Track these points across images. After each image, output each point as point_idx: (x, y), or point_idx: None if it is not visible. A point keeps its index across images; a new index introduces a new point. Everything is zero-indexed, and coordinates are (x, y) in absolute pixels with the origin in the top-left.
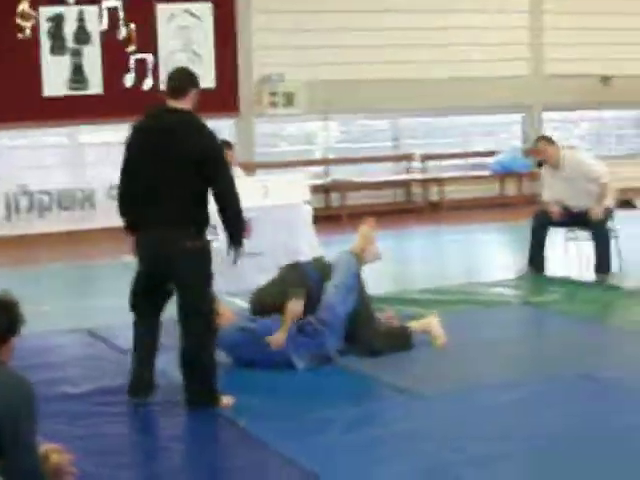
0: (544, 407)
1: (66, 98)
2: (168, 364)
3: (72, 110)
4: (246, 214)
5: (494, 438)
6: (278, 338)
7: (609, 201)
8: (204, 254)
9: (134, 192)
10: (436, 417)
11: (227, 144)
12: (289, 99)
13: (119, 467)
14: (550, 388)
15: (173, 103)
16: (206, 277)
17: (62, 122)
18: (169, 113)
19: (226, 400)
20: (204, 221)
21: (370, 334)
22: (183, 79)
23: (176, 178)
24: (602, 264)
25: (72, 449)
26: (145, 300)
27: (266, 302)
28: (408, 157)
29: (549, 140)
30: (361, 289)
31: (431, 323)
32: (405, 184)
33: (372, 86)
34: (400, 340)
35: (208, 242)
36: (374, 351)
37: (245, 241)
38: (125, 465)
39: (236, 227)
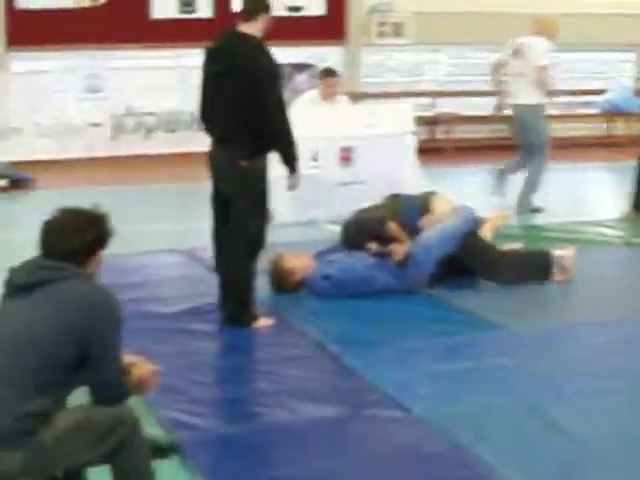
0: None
1: (174, 21)
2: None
3: (179, 33)
4: (349, 143)
5: (588, 376)
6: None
7: None
8: (251, 176)
9: (205, 112)
10: (530, 354)
11: (330, 72)
12: (397, 29)
13: (203, 385)
14: None
15: (241, 27)
16: (252, 199)
17: (170, 45)
18: (232, 36)
19: (264, 321)
20: (257, 143)
21: (495, 265)
22: (253, 3)
23: (231, 99)
24: None
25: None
26: (218, 218)
27: (352, 230)
28: None
29: None
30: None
31: (571, 254)
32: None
33: (482, 19)
34: (537, 267)
35: (260, 165)
36: (505, 280)
37: (345, 169)
38: (209, 383)
39: (286, 154)
